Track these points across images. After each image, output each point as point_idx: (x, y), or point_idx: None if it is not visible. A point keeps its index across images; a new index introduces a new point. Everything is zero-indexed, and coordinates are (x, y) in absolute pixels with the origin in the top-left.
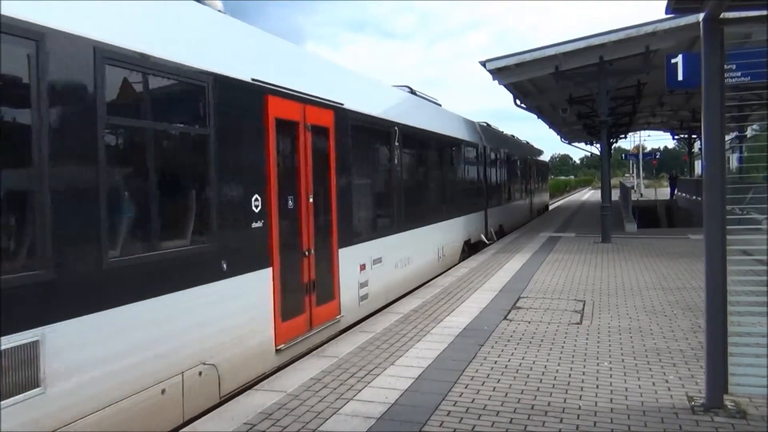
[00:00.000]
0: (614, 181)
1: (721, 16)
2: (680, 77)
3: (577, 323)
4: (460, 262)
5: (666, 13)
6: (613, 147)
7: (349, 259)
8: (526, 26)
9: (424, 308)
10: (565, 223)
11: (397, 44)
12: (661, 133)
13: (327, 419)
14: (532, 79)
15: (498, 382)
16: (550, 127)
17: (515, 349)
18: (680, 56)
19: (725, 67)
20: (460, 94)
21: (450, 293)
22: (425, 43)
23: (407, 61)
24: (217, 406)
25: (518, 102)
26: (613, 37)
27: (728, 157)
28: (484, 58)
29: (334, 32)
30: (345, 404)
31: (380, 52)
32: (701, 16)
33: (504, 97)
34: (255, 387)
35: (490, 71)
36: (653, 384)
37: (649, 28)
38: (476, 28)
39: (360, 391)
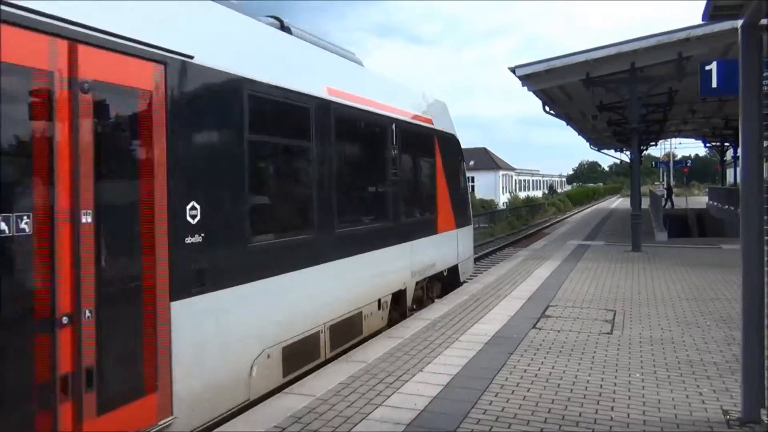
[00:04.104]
0: (644, 189)
1: (761, 22)
2: (714, 84)
3: (608, 333)
4: None
5: (703, 19)
6: (643, 154)
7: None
8: (555, 32)
9: (451, 315)
10: (594, 231)
11: (424, 50)
12: (692, 140)
13: (356, 424)
14: (561, 86)
15: (528, 391)
16: (579, 134)
17: (545, 358)
18: (715, 63)
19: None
20: (488, 100)
21: (478, 300)
22: (452, 49)
23: (434, 66)
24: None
25: (547, 109)
26: (645, 44)
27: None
28: (512, 64)
29: (362, 37)
30: (374, 410)
31: (407, 58)
32: (739, 23)
33: (533, 103)
34: (285, 390)
35: (520, 77)
36: (687, 396)
37: (682, 35)
38: (504, 34)
39: (389, 397)
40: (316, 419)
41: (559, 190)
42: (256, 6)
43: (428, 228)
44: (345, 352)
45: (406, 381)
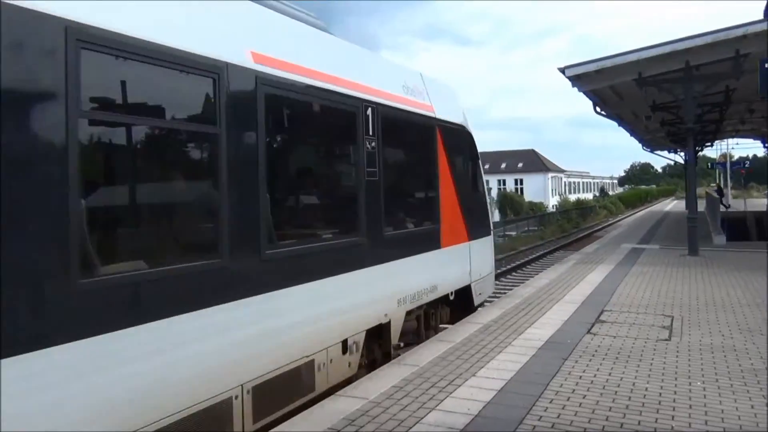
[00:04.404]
0: (699, 191)
1: None
2: None
3: (666, 339)
4: None
5: (765, 17)
6: (698, 155)
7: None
8: (605, 32)
9: (504, 319)
10: (648, 234)
11: (472, 51)
12: (750, 140)
13: (410, 428)
14: (612, 86)
15: (584, 398)
16: (631, 135)
17: (601, 364)
18: None
19: None
20: (537, 101)
21: (531, 304)
22: (501, 50)
23: (482, 67)
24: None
25: (598, 109)
26: (700, 41)
27: None
28: (561, 64)
29: (409, 41)
30: (427, 414)
31: (455, 60)
32: None
33: (583, 104)
34: (338, 393)
35: (570, 78)
36: (752, 407)
37: (739, 32)
38: (553, 34)
39: (442, 401)
40: (370, 422)
41: (610, 193)
42: (304, 6)
43: (426, 242)
44: (286, 418)
45: (459, 385)
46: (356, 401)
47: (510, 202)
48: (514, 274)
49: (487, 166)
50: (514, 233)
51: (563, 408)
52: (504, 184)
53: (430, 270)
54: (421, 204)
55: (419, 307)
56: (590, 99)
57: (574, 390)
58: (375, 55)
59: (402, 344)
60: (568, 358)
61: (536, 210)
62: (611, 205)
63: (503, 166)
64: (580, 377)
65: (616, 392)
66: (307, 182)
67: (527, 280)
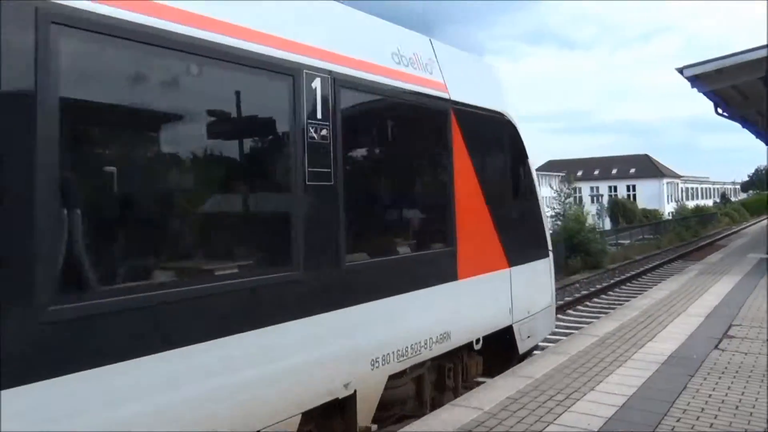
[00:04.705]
0: None
1: None
2: None
3: None
4: None
5: None
6: None
7: None
8: (718, 31)
9: (621, 331)
10: None
11: (579, 53)
12: None
13: None
14: (735, 85)
15: (715, 418)
16: (756, 137)
17: (732, 382)
18: None
19: None
20: (647, 103)
21: (650, 316)
22: (607, 52)
23: (590, 70)
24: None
25: (719, 111)
26: None
27: None
28: (674, 65)
29: (512, 45)
30: (545, 427)
31: (561, 63)
32: None
33: (701, 105)
34: (452, 402)
35: (688, 78)
36: None
37: None
38: (663, 35)
39: (559, 415)
40: None
41: (732, 199)
42: (402, 11)
43: (431, 271)
44: None
45: (578, 399)
46: (472, 411)
47: (622, 210)
48: (629, 284)
49: (596, 172)
50: (627, 242)
51: (692, 428)
52: (615, 190)
53: (438, 311)
54: (422, 218)
55: (419, 365)
56: (710, 100)
57: (703, 409)
58: (342, 6)
59: (374, 428)
60: (694, 374)
61: (650, 217)
62: (734, 212)
63: (614, 171)
64: (710, 396)
65: (751, 413)
66: (171, 190)
67: (645, 291)
